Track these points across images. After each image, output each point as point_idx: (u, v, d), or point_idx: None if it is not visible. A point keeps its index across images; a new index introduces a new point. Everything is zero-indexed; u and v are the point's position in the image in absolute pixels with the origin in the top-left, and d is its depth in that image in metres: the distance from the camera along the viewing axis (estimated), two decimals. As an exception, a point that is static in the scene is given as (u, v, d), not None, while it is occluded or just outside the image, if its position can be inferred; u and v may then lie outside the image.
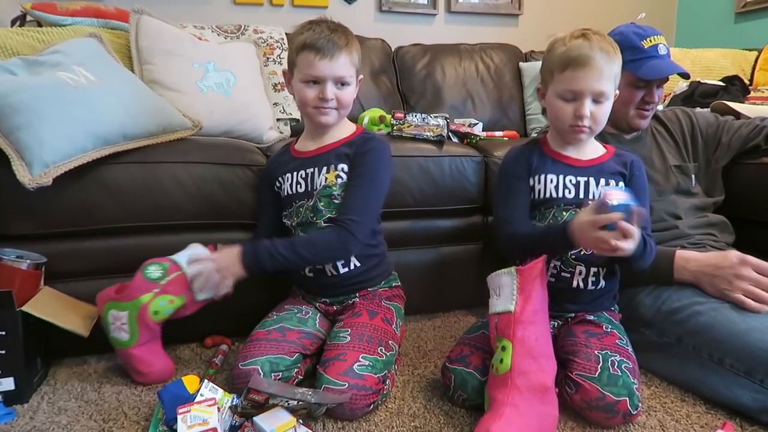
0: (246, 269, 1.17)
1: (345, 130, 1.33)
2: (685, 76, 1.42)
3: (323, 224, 1.24)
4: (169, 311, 1.21)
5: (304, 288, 1.36)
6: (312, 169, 1.28)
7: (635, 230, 0.99)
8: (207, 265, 1.17)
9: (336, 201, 1.24)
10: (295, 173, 1.30)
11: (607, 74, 1.13)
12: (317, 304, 1.33)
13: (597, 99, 1.14)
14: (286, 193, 1.31)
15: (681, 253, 1.27)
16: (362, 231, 1.21)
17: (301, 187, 1.28)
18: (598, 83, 1.13)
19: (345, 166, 1.26)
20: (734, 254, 1.21)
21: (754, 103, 1.89)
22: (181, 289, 1.21)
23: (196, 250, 1.25)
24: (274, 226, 1.35)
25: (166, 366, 1.26)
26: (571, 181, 1.21)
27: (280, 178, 1.33)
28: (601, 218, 0.99)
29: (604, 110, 1.16)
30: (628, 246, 1.00)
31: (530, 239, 1.18)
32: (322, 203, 1.25)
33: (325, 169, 1.26)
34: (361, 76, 1.32)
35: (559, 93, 1.17)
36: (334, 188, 1.25)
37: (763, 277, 1.17)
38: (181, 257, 1.23)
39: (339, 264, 1.27)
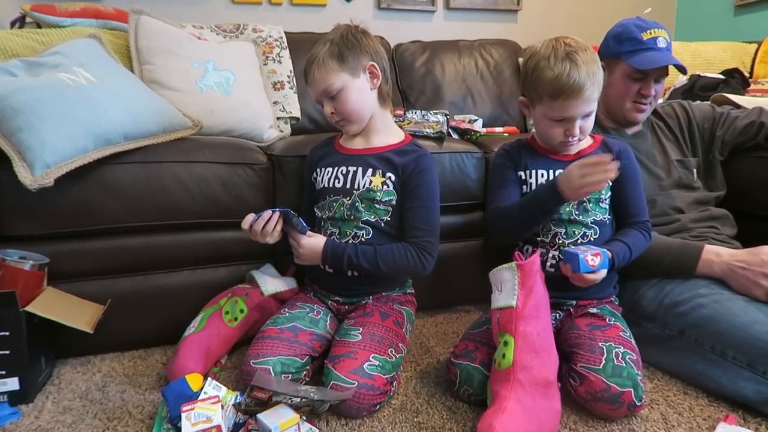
0: (323, 263, 1.24)
1: (392, 136, 1.33)
2: (681, 69, 1.41)
3: (361, 224, 1.26)
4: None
5: (318, 283, 1.36)
6: (355, 168, 1.28)
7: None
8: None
9: (377, 206, 1.26)
10: (335, 168, 1.30)
11: (596, 95, 1.15)
12: (329, 303, 1.33)
13: (586, 115, 1.17)
14: (321, 186, 1.32)
15: (710, 248, 1.26)
16: (436, 250, 1.26)
17: (339, 183, 1.29)
18: (587, 106, 1.15)
19: (393, 176, 1.26)
20: (765, 251, 1.20)
21: (755, 96, 1.89)
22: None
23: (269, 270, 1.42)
24: (312, 213, 1.36)
25: None
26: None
27: (318, 169, 1.34)
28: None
29: (591, 120, 1.19)
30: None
31: (515, 206, 1.23)
32: (363, 204, 1.25)
33: (370, 171, 1.27)
34: (370, 64, 1.26)
35: (548, 116, 1.19)
36: (378, 193, 1.25)
37: None
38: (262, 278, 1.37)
39: None
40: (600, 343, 1.10)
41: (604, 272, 1.12)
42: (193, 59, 1.70)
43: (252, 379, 1.09)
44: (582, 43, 1.16)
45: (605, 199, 1.23)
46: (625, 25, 1.42)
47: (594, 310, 1.22)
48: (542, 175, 1.25)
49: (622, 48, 1.38)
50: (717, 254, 1.25)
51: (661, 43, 1.38)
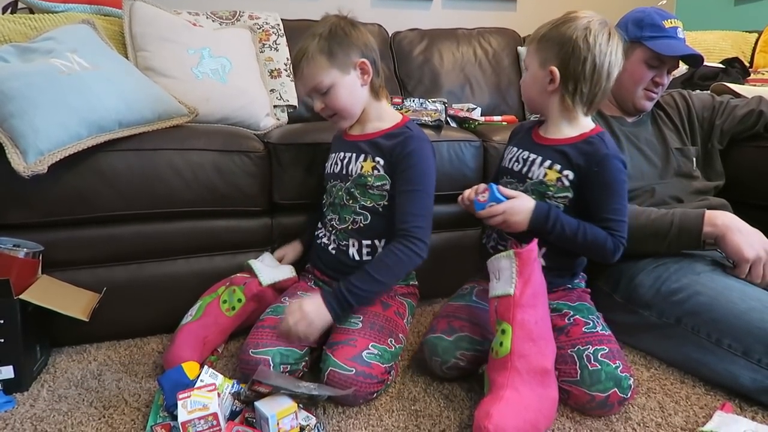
0: (336, 320, 1.14)
1: (387, 120, 1.29)
2: (697, 60, 1.41)
3: (359, 210, 1.25)
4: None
5: (319, 270, 1.34)
6: (350, 154, 1.28)
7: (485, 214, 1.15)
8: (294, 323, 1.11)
9: (371, 191, 1.24)
10: (336, 154, 1.32)
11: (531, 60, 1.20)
12: None
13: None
14: (326, 171, 1.34)
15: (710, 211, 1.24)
16: (427, 235, 1.20)
17: (337, 168, 1.30)
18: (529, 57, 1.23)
19: (382, 161, 1.23)
20: None
21: (754, 85, 1.88)
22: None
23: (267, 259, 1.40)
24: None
25: None
26: (523, 155, 1.22)
27: (329, 156, 1.36)
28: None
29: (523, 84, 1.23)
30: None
31: None
32: (357, 191, 1.25)
33: (362, 157, 1.25)
34: (360, 60, 1.22)
35: None
36: (369, 179, 1.24)
37: None
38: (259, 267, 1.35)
39: (364, 251, 1.26)
40: (569, 351, 1.08)
41: (505, 205, 1.12)
42: (189, 46, 1.68)
43: (249, 367, 1.08)
44: (583, 21, 1.15)
45: (555, 197, 1.15)
46: (645, 11, 1.42)
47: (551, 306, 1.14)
48: (511, 151, 1.26)
49: (643, 33, 1.38)
50: (720, 212, 1.23)
51: (680, 34, 1.40)
